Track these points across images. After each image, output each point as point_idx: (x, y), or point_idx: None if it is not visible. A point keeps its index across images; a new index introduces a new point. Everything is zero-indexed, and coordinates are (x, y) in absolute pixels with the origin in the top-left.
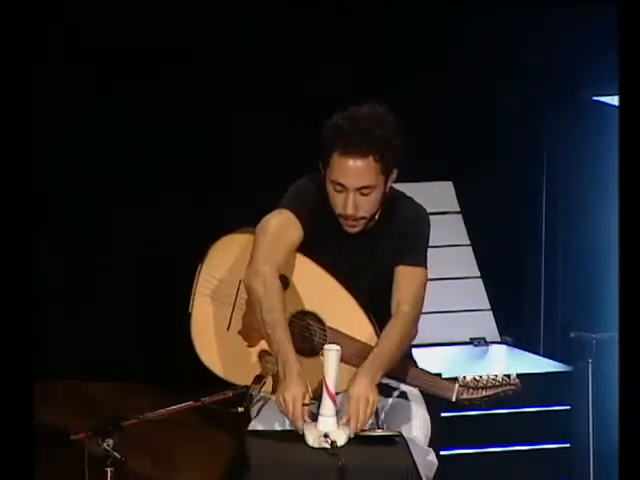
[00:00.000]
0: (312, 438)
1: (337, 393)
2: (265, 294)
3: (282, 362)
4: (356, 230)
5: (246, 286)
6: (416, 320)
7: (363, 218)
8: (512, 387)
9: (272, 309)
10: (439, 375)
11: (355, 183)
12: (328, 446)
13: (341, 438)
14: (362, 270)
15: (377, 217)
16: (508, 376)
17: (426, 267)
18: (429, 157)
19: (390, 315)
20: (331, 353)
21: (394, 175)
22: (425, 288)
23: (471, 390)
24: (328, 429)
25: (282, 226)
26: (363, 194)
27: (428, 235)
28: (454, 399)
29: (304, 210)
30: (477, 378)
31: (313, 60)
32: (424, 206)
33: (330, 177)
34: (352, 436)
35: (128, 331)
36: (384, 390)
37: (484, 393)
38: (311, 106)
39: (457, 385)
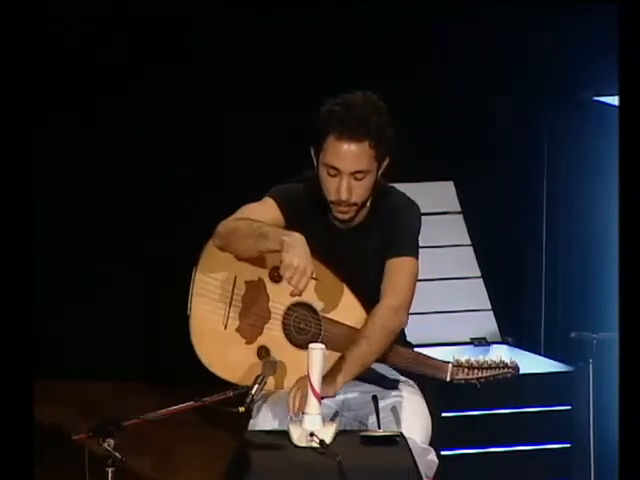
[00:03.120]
0: (297, 436)
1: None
2: (239, 221)
3: (280, 233)
4: (347, 217)
5: (215, 239)
6: (399, 309)
7: (355, 204)
8: (510, 370)
9: (253, 224)
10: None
11: (350, 167)
12: (316, 445)
13: (328, 436)
14: (354, 265)
15: (368, 204)
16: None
17: (415, 257)
18: (430, 157)
19: None
20: (315, 352)
21: (386, 163)
22: (414, 277)
23: (466, 370)
24: (313, 428)
25: (259, 207)
26: (357, 179)
27: (416, 225)
28: (448, 379)
29: (287, 200)
30: (471, 359)
31: (312, 60)
32: (426, 206)
33: (324, 161)
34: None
35: (129, 331)
36: (385, 389)
37: (480, 374)
38: (310, 106)
39: (451, 365)
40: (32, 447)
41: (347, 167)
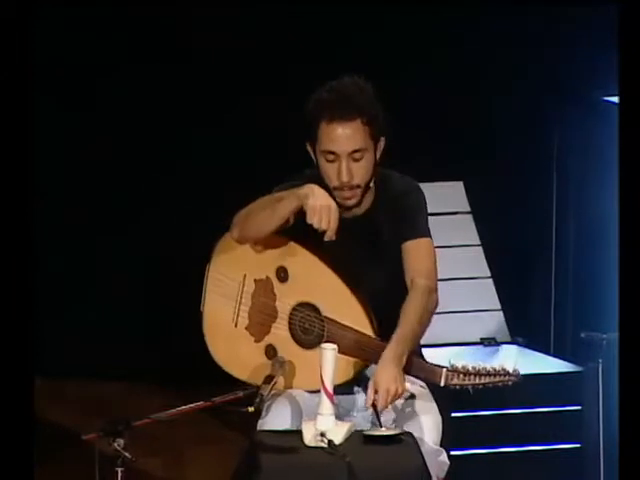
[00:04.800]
0: (309, 437)
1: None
2: (252, 204)
3: (293, 191)
4: (353, 202)
5: (233, 230)
6: (433, 290)
7: (358, 186)
8: (512, 378)
9: (264, 198)
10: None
11: (346, 147)
12: (325, 445)
13: (338, 437)
14: (365, 254)
15: (372, 187)
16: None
17: (429, 236)
18: (439, 157)
19: (397, 299)
20: (327, 352)
21: (382, 143)
22: (434, 257)
23: (461, 376)
24: (326, 428)
25: None
26: (355, 159)
27: (423, 204)
28: (442, 384)
29: None
30: (468, 365)
31: (312, 60)
32: (435, 206)
33: (320, 149)
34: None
35: (139, 331)
36: None
37: (476, 380)
38: None
39: (445, 370)
40: (32, 447)
41: (344, 149)
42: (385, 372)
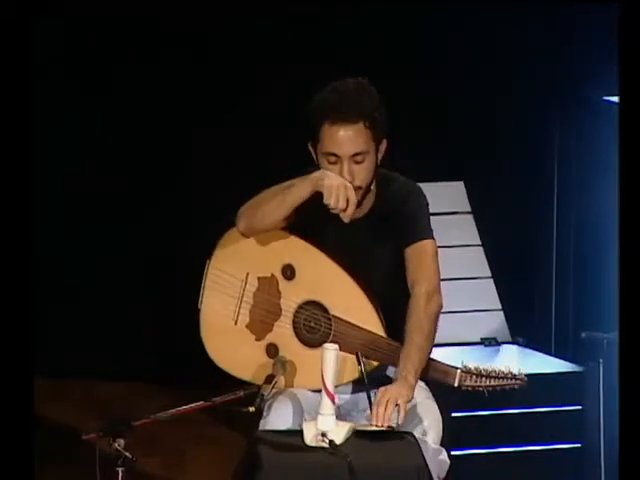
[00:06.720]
0: (310, 437)
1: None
2: (260, 195)
3: (304, 177)
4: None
5: (239, 223)
6: (434, 292)
7: (359, 188)
8: (518, 382)
9: (273, 187)
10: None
11: (348, 150)
12: (326, 445)
13: (339, 437)
14: (368, 256)
15: (373, 189)
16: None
17: (431, 237)
18: (440, 157)
19: (399, 302)
20: (329, 352)
21: (384, 145)
22: (436, 258)
23: (474, 377)
24: (327, 428)
25: None
26: (357, 162)
27: (425, 207)
28: (456, 384)
29: None
30: (480, 367)
31: (312, 60)
32: (436, 206)
33: (322, 150)
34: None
35: (140, 331)
36: None
37: (488, 382)
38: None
39: (459, 371)
40: (32, 447)
41: (345, 151)
42: (387, 392)
